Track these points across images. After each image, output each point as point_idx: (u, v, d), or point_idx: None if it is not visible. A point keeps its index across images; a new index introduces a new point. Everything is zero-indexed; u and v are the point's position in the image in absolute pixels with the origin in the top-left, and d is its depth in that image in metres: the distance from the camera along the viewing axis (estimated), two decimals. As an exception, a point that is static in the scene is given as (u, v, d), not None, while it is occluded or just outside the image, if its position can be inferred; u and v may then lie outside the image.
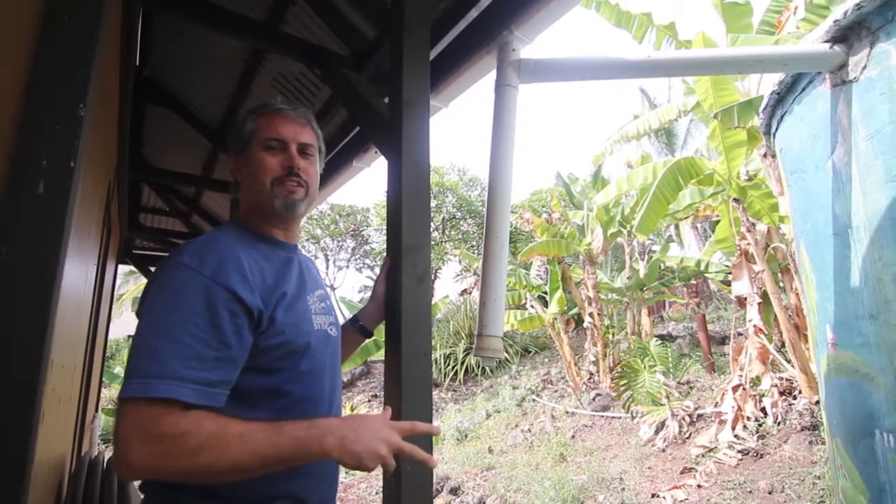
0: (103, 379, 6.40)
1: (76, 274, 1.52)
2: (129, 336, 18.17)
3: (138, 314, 0.89)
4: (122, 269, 5.74)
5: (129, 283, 18.74)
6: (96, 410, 4.57)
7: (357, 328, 1.31)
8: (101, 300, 3.22)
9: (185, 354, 0.79)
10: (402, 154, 1.40)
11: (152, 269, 5.26)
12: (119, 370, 11.55)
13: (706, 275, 8.32)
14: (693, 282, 10.43)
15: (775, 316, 5.17)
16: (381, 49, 1.89)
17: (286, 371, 0.92)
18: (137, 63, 2.34)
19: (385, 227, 1.62)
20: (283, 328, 0.91)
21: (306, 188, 1.05)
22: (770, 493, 3.87)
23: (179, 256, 0.87)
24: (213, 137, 2.92)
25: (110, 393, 11.69)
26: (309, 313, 0.99)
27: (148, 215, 4.70)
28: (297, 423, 0.82)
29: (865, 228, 1.55)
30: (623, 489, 4.61)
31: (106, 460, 2.41)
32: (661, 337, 9.08)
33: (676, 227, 13.09)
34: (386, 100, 1.65)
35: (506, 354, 10.93)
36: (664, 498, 4.21)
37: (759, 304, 5.13)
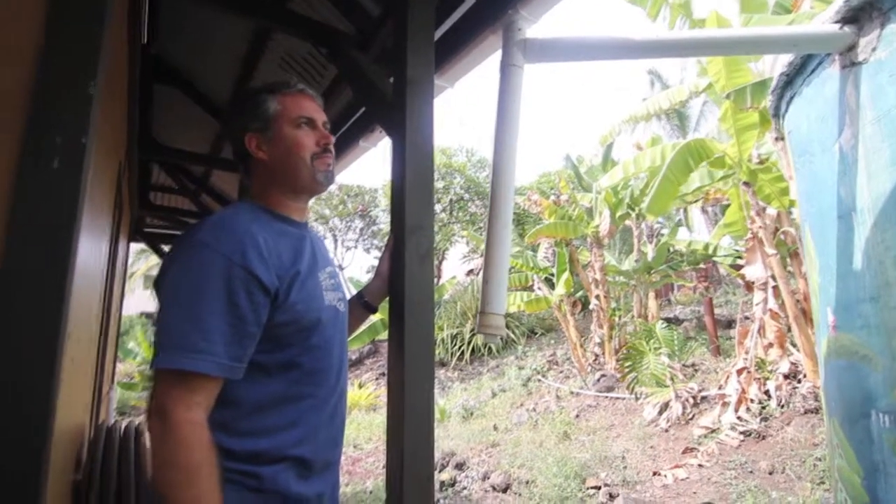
0: (118, 354, 6.56)
1: (90, 250, 1.57)
2: (141, 313, 18.52)
3: (156, 288, 0.93)
4: (134, 247, 5.84)
5: (140, 261, 19.02)
6: (112, 383, 4.70)
7: (362, 304, 1.35)
8: (115, 277, 3.30)
9: (206, 330, 0.84)
10: (405, 135, 1.41)
11: (163, 247, 5.35)
12: (132, 345, 11.81)
13: (714, 258, 8.28)
14: (702, 266, 10.38)
15: (782, 300, 5.15)
16: (387, 27, 1.89)
17: (299, 345, 0.97)
18: (145, 41, 2.35)
19: (392, 208, 1.64)
20: (296, 304, 0.95)
21: (335, 162, 1.14)
22: (770, 474, 3.93)
23: (198, 234, 0.91)
24: (222, 116, 2.94)
25: (125, 367, 11.98)
26: (320, 290, 1.03)
27: (158, 194, 4.76)
28: None
29: (869, 211, 1.55)
30: (625, 467, 4.69)
31: (122, 429, 2.50)
32: (668, 320, 9.09)
33: (685, 210, 12.97)
34: (391, 80, 1.66)
35: (507, 332, 11.00)
36: (665, 476, 4.29)
37: (773, 287, 5.12)
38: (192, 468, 0.80)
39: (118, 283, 3.90)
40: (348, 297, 1.24)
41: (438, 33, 1.86)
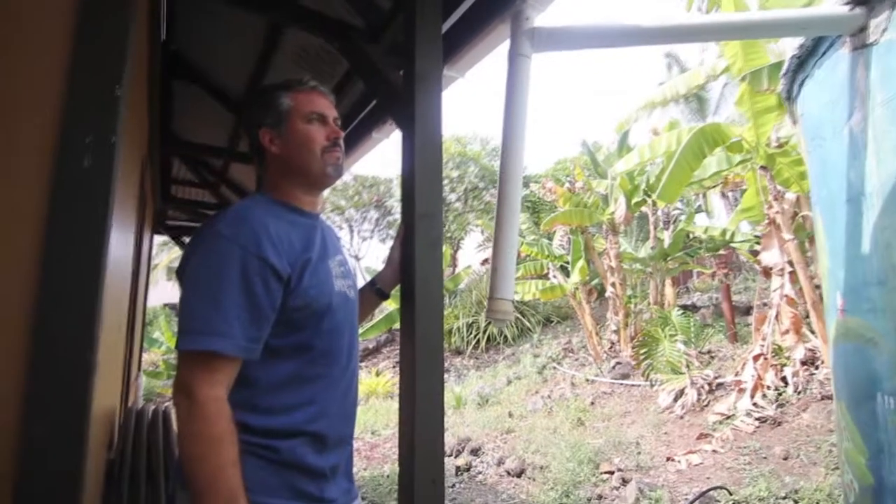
0: (143, 343, 6.78)
1: (119, 243, 1.66)
2: (164, 304, 19.00)
3: (179, 276, 1.01)
4: (157, 239, 6.01)
5: (163, 254, 19.47)
6: (139, 370, 4.88)
7: (375, 290, 1.41)
8: (140, 268, 3.42)
9: (225, 315, 0.91)
10: (415, 126, 1.45)
11: (185, 239, 5.49)
12: (158, 335, 12.16)
13: (732, 244, 8.17)
14: (722, 252, 10.24)
15: (800, 286, 5.09)
16: (397, 20, 1.92)
17: (311, 328, 1.03)
18: (164, 38, 2.42)
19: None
20: (308, 290, 1.01)
21: (344, 156, 1.20)
22: (785, 459, 3.93)
23: (216, 226, 0.98)
24: (238, 110, 3.01)
25: (150, 357, 12.35)
26: (330, 276, 1.09)
27: (179, 187, 4.87)
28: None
29: (878, 195, 1.55)
30: (639, 453, 4.72)
31: (151, 412, 2.62)
32: (685, 307, 9.03)
33: (704, 195, 12.78)
34: (401, 72, 1.70)
35: (523, 320, 11.03)
36: (679, 461, 4.31)
37: (790, 273, 5.06)
38: (214, 440, 0.88)
39: (143, 274, 4.04)
40: (360, 284, 1.31)
41: (448, 24, 1.89)
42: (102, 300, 0.98)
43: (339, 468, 1.07)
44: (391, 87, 1.69)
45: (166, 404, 3.01)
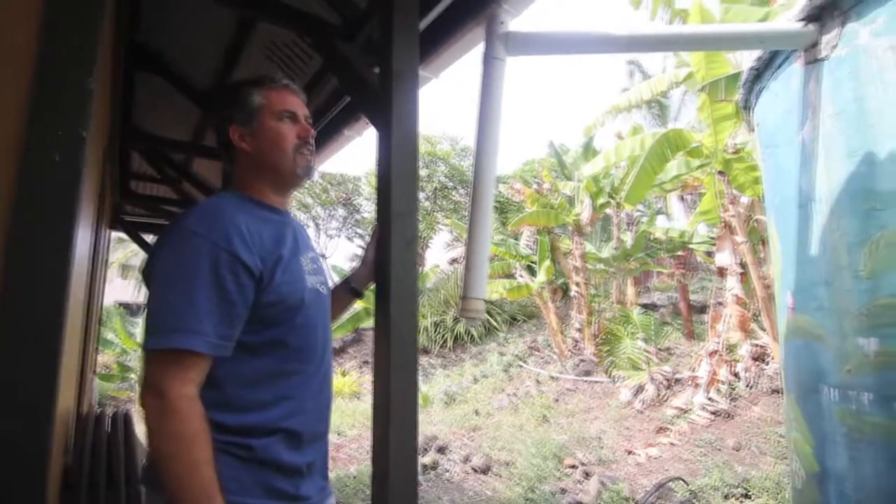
0: (98, 344, 6.50)
1: (82, 239, 1.59)
2: (118, 303, 18.21)
3: (146, 274, 0.99)
4: (112, 235, 5.77)
5: (118, 251, 18.65)
6: (93, 372, 4.68)
7: (349, 289, 1.41)
8: (97, 265, 3.28)
9: (197, 312, 0.90)
10: (391, 125, 1.45)
11: (143, 235, 5.29)
12: (112, 336, 11.65)
13: (690, 245, 8.50)
14: (680, 253, 10.64)
15: (751, 286, 5.36)
16: (372, 18, 1.92)
17: (284, 324, 1.03)
18: (128, 28, 2.33)
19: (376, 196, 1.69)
20: (280, 286, 1.01)
21: (314, 155, 1.18)
22: (737, 450, 4.13)
23: (186, 222, 0.96)
24: (204, 104, 2.92)
25: (103, 359, 11.81)
26: (302, 273, 1.08)
27: (139, 182, 4.68)
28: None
29: (826, 201, 1.66)
30: (601, 447, 4.86)
31: (110, 416, 2.52)
32: (645, 306, 9.34)
33: (665, 198, 13.22)
34: (376, 70, 1.70)
35: (489, 319, 11.16)
36: (639, 455, 4.47)
37: (740, 274, 5.32)
38: (187, 438, 0.86)
39: (100, 271, 3.88)
40: (331, 282, 1.30)
41: (423, 24, 1.89)
42: (69, 297, 0.95)
43: (315, 465, 1.07)
44: (366, 86, 1.68)
45: (124, 408, 2.91)
